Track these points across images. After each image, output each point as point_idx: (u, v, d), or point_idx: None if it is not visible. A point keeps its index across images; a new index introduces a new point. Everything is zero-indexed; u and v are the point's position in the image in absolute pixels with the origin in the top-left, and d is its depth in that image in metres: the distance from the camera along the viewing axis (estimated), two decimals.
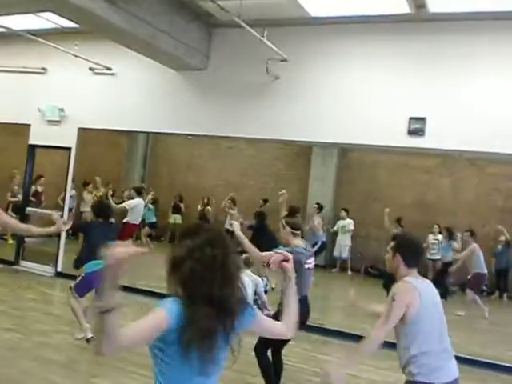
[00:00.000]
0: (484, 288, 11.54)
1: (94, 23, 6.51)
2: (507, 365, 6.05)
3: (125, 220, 9.36)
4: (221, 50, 7.77)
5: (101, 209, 6.05)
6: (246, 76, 7.50)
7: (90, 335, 5.33)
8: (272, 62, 7.10)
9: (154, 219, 12.45)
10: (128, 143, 14.84)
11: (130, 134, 13.64)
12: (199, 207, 13.39)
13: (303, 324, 4.65)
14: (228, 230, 10.91)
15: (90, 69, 8.62)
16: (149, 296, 7.50)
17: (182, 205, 14.01)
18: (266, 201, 11.65)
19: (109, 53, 8.29)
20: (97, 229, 5.73)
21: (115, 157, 14.07)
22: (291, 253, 2.29)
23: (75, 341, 5.50)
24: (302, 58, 7.23)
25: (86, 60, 8.30)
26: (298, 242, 4.36)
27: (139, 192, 10.00)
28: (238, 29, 6.47)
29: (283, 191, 7.79)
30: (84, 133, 8.79)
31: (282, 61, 7.10)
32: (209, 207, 13.46)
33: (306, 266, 4.37)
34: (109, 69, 8.55)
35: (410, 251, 3.04)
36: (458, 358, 6.23)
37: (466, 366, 5.88)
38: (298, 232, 4.39)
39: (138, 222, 9.80)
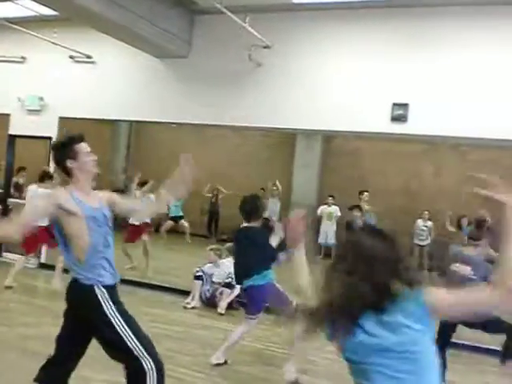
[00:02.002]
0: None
1: (72, 10, 6.40)
2: (494, 348, 6.09)
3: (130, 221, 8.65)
4: (203, 37, 7.68)
5: (242, 207, 4.95)
6: (228, 63, 7.43)
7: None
8: (255, 48, 7.04)
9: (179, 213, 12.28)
10: (111, 132, 14.70)
11: (113, 123, 13.50)
12: (209, 195, 13.39)
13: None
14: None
15: (70, 57, 8.48)
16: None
17: None
18: (263, 189, 11.79)
19: (89, 40, 8.16)
20: (242, 235, 4.89)
21: (98, 146, 13.82)
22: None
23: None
24: (285, 45, 7.18)
25: (66, 48, 8.17)
26: (470, 251, 4.92)
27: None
28: (220, 15, 6.41)
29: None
30: (65, 122, 8.66)
31: (264, 47, 7.05)
32: (219, 196, 13.43)
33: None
34: (89, 57, 8.41)
35: None
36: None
37: (453, 350, 5.97)
38: (475, 242, 4.97)
39: (138, 223, 8.67)
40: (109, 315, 2.94)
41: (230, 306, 6.88)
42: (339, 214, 11.65)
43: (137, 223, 8.67)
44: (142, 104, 8.10)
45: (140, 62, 8.08)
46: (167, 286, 7.72)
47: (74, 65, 8.57)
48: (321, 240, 11.90)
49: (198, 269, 7.17)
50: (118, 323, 2.94)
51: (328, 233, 11.74)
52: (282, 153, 13.75)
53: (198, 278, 7.09)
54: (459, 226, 9.79)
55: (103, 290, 2.98)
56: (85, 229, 2.93)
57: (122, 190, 13.18)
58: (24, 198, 9.76)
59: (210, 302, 6.99)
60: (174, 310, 6.71)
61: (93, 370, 4.49)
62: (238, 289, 7.00)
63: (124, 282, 7.72)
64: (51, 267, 7.58)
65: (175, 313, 6.61)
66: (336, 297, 1.86)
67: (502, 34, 6.26)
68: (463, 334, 6.49)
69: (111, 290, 3.03)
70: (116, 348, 2.96)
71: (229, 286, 6.95)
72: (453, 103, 6.43)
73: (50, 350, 4.92)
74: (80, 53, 8.37)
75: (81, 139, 3.09)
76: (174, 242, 11.93)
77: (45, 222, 6.95)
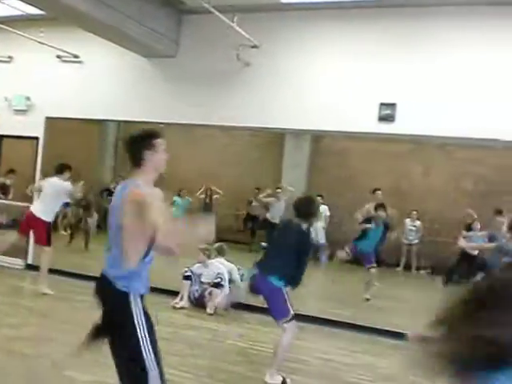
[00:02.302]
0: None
1: (59, 9, 6.37)
2: None
3: None
4: (191, 36, 7.67)
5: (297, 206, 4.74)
6: (216, 63, 7.43)
7: None
8: (243, 48, 7.04)
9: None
10: (99, 132, 14.60)
11: (101, 123, 13.41)
12: (202, 196, 13.13)
13: None
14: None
15: (57, 56, 8.42)
16: None
17: None
18: (258, 189, 11.87)
19: (76, 40, 8.10)
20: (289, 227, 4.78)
21: (86, 146, 13.81)
22: None
23: (47, 333, 5.38)
24: (273, 45, 7.19)
25: (53, 47, 8.11)
26: None
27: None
28: (208, 15, 6.41)
29: None
30: (52, 122, 8.61)
31: (252, 47, 7.06)
32: (215, 196, 13.28)
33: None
34: (76, 56, 8.36)
35: None
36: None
37: None
38: None
39: None
40: (137, 326, 2.86)
41: None
42: (328, 213, 11.68)
43: None
44: (129, 104, 8.07)
45: (128, 61, 8.04)
46: (155, 286, 7.67)
47: (61, 64, 8.51)
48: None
49: (186, 269, 7.16)
50: (142, 335, 2.86)
51: (318, 232, 11.76)
52: (271, 152, 13.76)
53: (186, 278, 7.08)
54: (468, 230, 9.70)
55: (138, 299, 2.91)
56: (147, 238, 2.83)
57: (109, 190, 13.05)
58: (10, 199, 9.72)
59: (198, 303, 6.98)
60: (162, 311, 6.67)
61: (78, 370, 4.48)
62: (227, 289, 7.01)
63: None
64: (38, 268, 7.51)
65: (163, 313, 6.58)
66: (474, 344, 1.61)
67: (490, 34, 6.31)
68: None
69: (142, 298, 2.98)
70: (131, 359, 2.87)
71: (218, 286, 6.94)
72: (439, 103, 6.48)
73: (36, 350, 4.93)
74: (67, 52, 8.31)
75: (160, 135, 3.08)
76: None
77: (49, 218, 7.01)
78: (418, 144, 11.23)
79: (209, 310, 6.74)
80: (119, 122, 10.92)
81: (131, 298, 2.89)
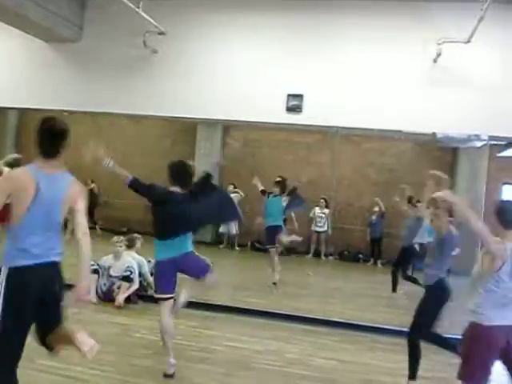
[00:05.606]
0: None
1: None
2: (381, 326, 6.45)
3: None
4: (95, 21, 7.39)
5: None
6: (123, 49, 7.21)
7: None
8: (149, 34, 6.89)
9: None
10: None
11: (0, 110, 12.64)
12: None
13: None
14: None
15: None
16: None
17: None
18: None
19: None
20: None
21: None
22: None
23: None
24: (182, 32, 7.10)
25: None
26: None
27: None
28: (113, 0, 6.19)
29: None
30: None
31: (159, 34, 6.91)
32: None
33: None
34: None
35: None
36: (337, 323, 6.54)
37: (344, 330, 6.25)
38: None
39: None
40: None
41: (128, 300, 6.72)
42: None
43: None
44: (30, 90, 7.67)
45: (28, 46, 7.64)
46: None
47: None
48: (222, 230, 12.01)
49: (92, 262, 6.91)
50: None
51: (230, 222, 11.81)
52: (183, 142, 13.61)
53: (93, 271, 6.84)
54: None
55: None
56: None
57: None
58: None
59: (106, 297, 6.78)
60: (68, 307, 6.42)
61: None
62: (136, 283, 6.85)
63: None
64: None
65: (69, 309, 6.33)
66: None
67: (394, 31, 6.60)
68: (351, 314, 6.85)
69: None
70: None
71: (127, 279, 6.77)
72: (345, 95, 6.71)
73: None
74: None
75: None
76: None
77: None
78: (325, 135, 11.56)
79: (117, 304, 6.57)
80: (16, 109, 10.32)
81: None
